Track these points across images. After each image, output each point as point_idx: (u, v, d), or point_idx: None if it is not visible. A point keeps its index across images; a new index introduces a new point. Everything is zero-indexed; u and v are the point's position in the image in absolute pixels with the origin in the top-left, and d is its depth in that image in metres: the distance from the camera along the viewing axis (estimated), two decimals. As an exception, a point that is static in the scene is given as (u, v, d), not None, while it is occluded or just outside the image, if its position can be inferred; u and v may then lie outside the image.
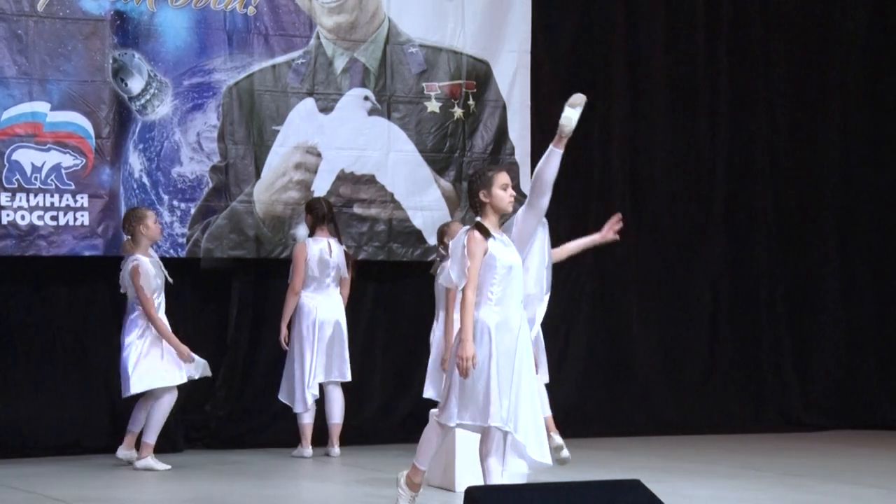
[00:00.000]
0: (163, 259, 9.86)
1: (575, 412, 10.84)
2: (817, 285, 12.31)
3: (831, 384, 12.24)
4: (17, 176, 9.62)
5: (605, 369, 11.58)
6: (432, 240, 10.53)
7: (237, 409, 10.38)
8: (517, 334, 6.95)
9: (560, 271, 11.15)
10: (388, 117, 10.73)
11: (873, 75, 12.47)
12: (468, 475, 7.69)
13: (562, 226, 11.21)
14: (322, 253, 9.74)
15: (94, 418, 9.99)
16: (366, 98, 10.65)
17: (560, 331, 11.23)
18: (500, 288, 6.95)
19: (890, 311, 8.22)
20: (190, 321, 10.13)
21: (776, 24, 12.25)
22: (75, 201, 9.73)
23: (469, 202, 7.34)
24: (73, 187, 9.72)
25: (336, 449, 9.73)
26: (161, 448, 9.29)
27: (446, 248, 8.87)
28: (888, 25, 12.50)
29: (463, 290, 6.91)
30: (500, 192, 6.98)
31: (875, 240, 12.21)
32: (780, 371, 12.08)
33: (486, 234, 6.92)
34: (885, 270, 12.03)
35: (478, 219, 7.01)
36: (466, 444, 7.76)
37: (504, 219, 7.37)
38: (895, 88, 12.46)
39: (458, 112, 10.89)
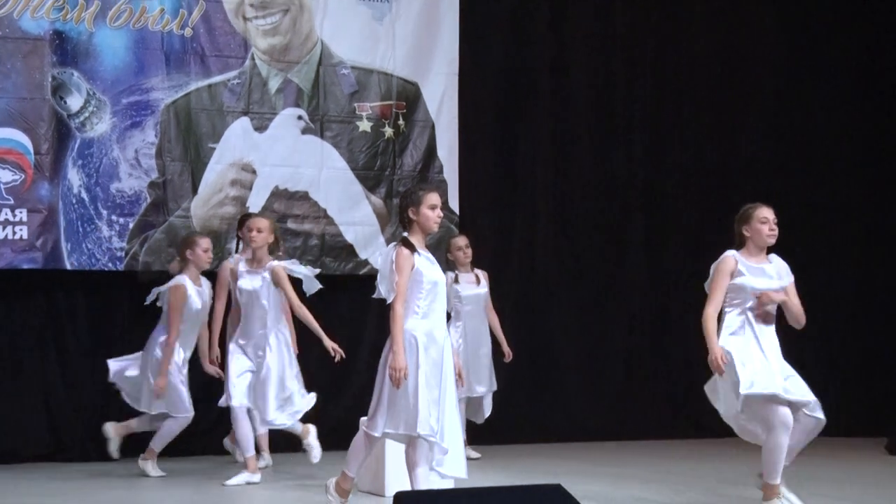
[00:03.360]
0: (101, 272, 9.84)
1: (500, 420, 10.85)
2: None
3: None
4: (-42, 192, 9.49)
5: (530, 379, 11.53)
6: (364, 254, 10.57)
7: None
8: (442, 346, 6.92)
9: (497, 285, 11.21)
10: (321, 136, 10.68)
11: (779, 106, 12.55)
12: (397, 481, 7.65)
13: (488, 238, 11.28)
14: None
15: (29, 430, 9.85)
16: (299, 117, 10.61)
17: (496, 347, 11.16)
18: (426, 302, 6.93)
19: (789, 325, 8.34)
20: (127, 333, 9.99)
21: (691, 58, 12.29)
22: (14, 216, 9.58)
23: (398, 218, 7.29)
24: (11, 202, 9.58)
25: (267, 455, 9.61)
26: (94, 457, 9.21)
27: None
28: (798, 58, 12.57)
29: (392, 304, 6.83)
30: (428, 211, 6.95)
31: (778, 253, 12.28)
32: (692, 381, 12.14)
33: (413, 249, 6.87)
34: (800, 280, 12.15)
35: (405, 234, 6.97)
36: (396, 450, 7.68)
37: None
38: (799, 118, 12.52)
39: (388, 131, 10.85)
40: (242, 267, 8.77)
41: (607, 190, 11.90)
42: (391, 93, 10.90)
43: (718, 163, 12.36)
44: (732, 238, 12.28)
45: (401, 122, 10.90)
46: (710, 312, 7.66)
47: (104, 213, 9.89)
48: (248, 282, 8.67)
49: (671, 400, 12.09)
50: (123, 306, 10.10)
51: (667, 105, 12.20)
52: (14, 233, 9.57)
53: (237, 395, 8.66)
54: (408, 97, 10.96)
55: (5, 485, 8.59)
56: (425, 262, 6.94)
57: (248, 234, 8.78)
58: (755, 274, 7.72)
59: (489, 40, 11.49)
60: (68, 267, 9.64)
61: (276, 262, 8.61)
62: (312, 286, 8.77)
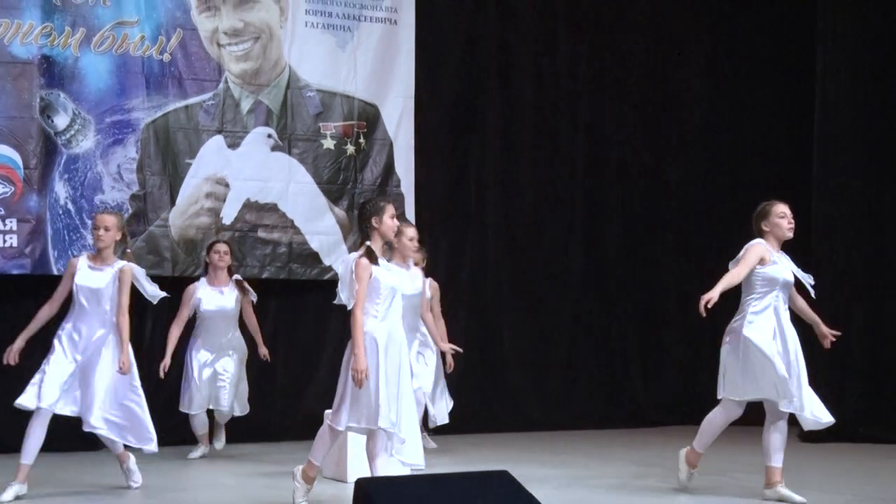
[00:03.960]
0: None
1: (453, 413, 10.84)
2: (661, 301, 12.43)
3: (672, 386, 12.33)
4: (-49, 203, 9.38)
5: (480, 375, 11.56)
6: (328, 261, 10.56)
7: (153, 411, 10.17)
8: (400, 346, 6.91)
9: (440, 290, 11.17)
10: (289, 153, 10.64)
11: (708, 121, 12.59)
12: (359, 468, 7.58)
13: (442, 246, 11.28)
14: None
15: (18, 424, 9.70)
16: (269, 136, 10.56)
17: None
18: (384, 307, 6.91)
19: (720, 324, 8.34)
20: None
21: (627, 81, 12.34)
22: (4, 225, 9.50)
23: (359, 228, 7.21)
24: (2, 212, 9.50)
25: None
26: (78, 447, 9.09)
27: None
28: (720, 78, 12.62)
29: (353, 310, 6.83)
30: (389, 220, 6.96)
31: (709, 261, 12.33)
32: (629, 375, 12.25)
33: (373, 259, 6.87)
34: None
35: (368, 243, 6.94)
36: (358, 440, 7.68)
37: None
38: (726, 132, 12.60)
39: (350, 149, 10.81)
40: (84, 263, 7.71)
41: (549, 200, 11.90)
42: (353, 114, 10.87)
43: (651, 172, 12.41)
44: (660, 239, 12.44)
45: (361, 140, 10.87)
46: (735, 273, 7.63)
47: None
48: (91, 279, 7.64)
49: (607, 393, 12.10)
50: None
51: (604, 126, 12.24)
52: (5, 241, 9.50)
53: (35, 395, 7.50)
54: (368, 118, 10.93)
55: (4, 473, 8.47)
56: (383, 270, 6.93)
57: (94, 231, 7.72)
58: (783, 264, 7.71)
59: (442, 67, 11.48)
60: (55, 272, 9.49)
61: (126, 264, 7.76)
62: (156, 294, 8.01)
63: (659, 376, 12.35)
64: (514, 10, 11.84)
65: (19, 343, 7.61)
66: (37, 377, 7.43)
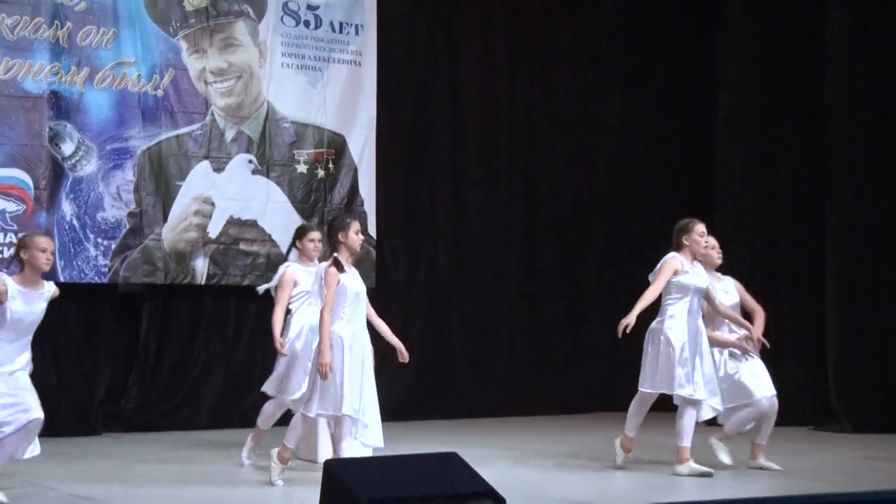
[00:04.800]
0: (88, 285, 9.68)
1: (411, 401, 10.88)
2: (587, 304, 12.40)
3: (597, 378, 12.25)
4: (-29, 219, 9.27)
5: (434, 368, 11.53)
6: None
7: (147, 401, 10.12)
8: (363, 344, 6.91)
9: (399, 295, 11.19)
10: (267, 176, 10.56)
11: (626, 145, 12.57)
12: (328, 450, 7.60)
13: (400, 257, 11.27)
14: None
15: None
16: (250, 161, 10.47)
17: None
18: (349, 309, 6.90)
19: (641, 323, 8.46)
20: (109, 334, 9.88)
21: (558, 112, 12.32)
22: (16, 238, 9.29)
23: (329, 241, 7.19)
24: (15, 227, 9.37)
25: None
26: (81, 432, 8.99)
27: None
28: (635, 110, 12.60)
29: (321, 312, 6.84)
30: (354, 235, 6.98)
31: (629, 268, 12.38)
32: (560, 368, 12.23)
33: (340, 268, 6.85)
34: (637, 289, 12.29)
35: (335, 255, 6.94)
36: (328, 426, 7.64)
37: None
38: (640, 157, 12.62)
39: (320, 173, 10.74)
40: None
41: (491, 216, 11.86)
42: (323, 142, 10.80)
43: (578, 191, 12.41)
44: (586, 249, 12.47)
45: (330, 165, 10.81)
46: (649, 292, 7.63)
47: (91, 236, 9.70)
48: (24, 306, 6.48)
49: (541, 383, 12.04)
50: (106, 311, 9.95)
51: (537, 152, 12.22)
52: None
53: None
54: (336, 146, 10.86)
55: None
56: (350, 277, 6.92)
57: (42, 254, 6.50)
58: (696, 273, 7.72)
59: (399, 102, 11.43)
60: (62, 280, 9.34)
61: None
62: None
63: (586, 369, 12.31)
64: (461, 55, 11.82)
65: None
66: None
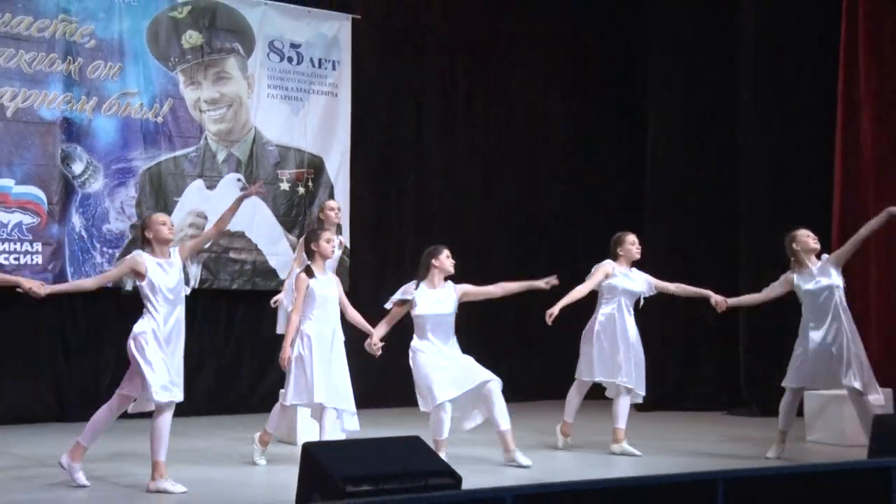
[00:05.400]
0: (97, 290, 9.59)
1: (379, 391, 10.86)
2: (534, 304, 12.12)
3: (541, 369, 12.22)
4: (-9, 229, 9.28)
5: (400, 361, 11.30)
6: (283, 276, 10.26)
7: None
8: (331, 341, 6.97)
9: (370, 298, 11.12)
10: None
11: (569, 164, 12.63)
12: (307, 433, 7.63)
13: (370, 264, 11.29)
14: None
15: (41, 399, 9.62)
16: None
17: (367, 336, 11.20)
18: (318, 312, 6.97)
19: (576, 320, 8.53)
20: (112, 332, 9.70)
21: (510, 136, 12.34)
22: (32, 247, 9.39)
23: (305, 250, 7.27)
24: (30, 238, 9.39)
25: None
26: (87, 417, 9.00)
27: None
28: (580, 131, 12.69)
29: (290, 314, 7.01)
30: (325, 244, 7.06)
31: (577, 271, 12.44)
32: (509, 360, 11.97)
33: (311, 274, 6.92)
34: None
35: (308, 262, 7.05)
36: (305, 412, 7.68)
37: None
38: (583, 174, 12.67)
39: (301, 190, 10.78)
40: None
41: (451, 228, 11.70)
42: (303, 163, 10.83)
43: (527, 205, 12.46)
44: (535, 255, 12.50)
45: (310, 183, 10.84)
46: (577, 290, 7.82)
47: (98, 246, 9.70)
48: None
49: (496, 374, 12.00)
50: (111, 311, 9.87)
51: (491, 167, 12.21)
52: (32, 259, 9.40)
53: None
54: (315, 166, 10.90)
55: (29, 436, 8.41)
56: (319, 283, 6.98)
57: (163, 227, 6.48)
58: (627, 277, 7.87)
59: (370, 129, 11.45)
60: (71, 283, 9.44)
61: None
62: None
63: (531, 360, 12.34)
64: (425, 87, 11.85)
65: None
66: None
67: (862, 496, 4.71)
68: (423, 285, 7.41)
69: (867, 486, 4.72)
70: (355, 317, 7.38)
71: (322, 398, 6.85)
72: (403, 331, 11.76)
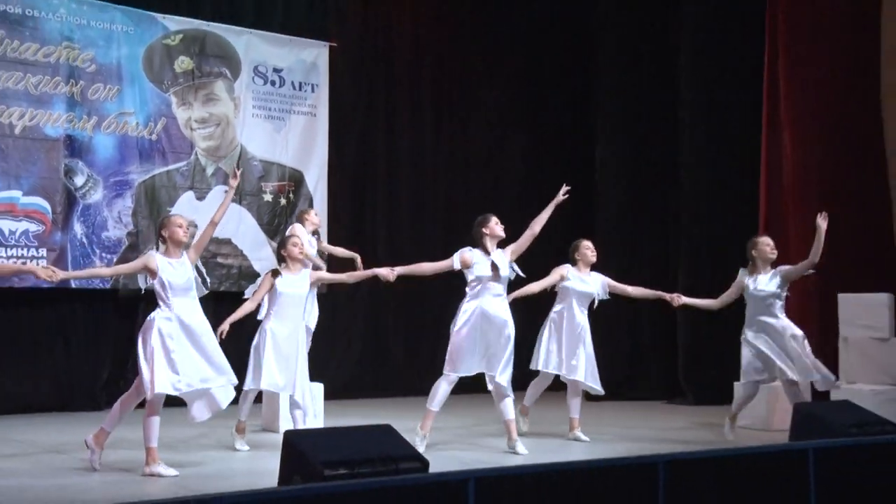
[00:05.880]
0: (94, 291, 9.61)
1: (354, 383, 10.92)
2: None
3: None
4: (0, 237, 9.19)
5: (373, 356, 11.55)
6: None
7: None
8: (288, 337, 6.85)
9: (345, 299, 11.14)
10: (240, 203, 10.55)
11: (524, 187, 12.63)
12: (287, 422, 7.41)
13: (346, 266, 11.24)
14: None
15: (44, 390, 9.53)
16: (225, 192, 10.29)
17: (345, 335, 11.24)
18: (279, 308, 6.94)
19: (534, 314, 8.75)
20: (111, 329, 9.82)
21: (472, 161, 12.40)
22: (37, 253, 9.33)
23: (277, 254, 7.32)
24: (36, 244, 9.34)
25: None
26: (87, 408, 8.97)
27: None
28: (534, 154, 12.73)
29: (245, 302, 6.99)
30: (293, 248, 7.07)
31: (531, 277, 12.50)
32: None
33: (277, 274, 6.94)
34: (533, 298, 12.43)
35: (276, 268, 7.09)
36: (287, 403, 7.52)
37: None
38: (536, 192, 12.46)
39: (283, 201, 10.75)
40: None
41: (419, 236, 11.83)
42: (285, 177, 10.83)
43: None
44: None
45: (291, 195, 10.83)
46: (529, 286, 7.79)
47: (97, 251, 9.65)
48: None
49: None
50: (109, 311, 9.87)
51: (456, 189, 12.23)
52: (37, 264, 9.12)
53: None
54: (296, 180, 10.90)
55: (29, 426, 8.34)
56: (285, 283, 6.97)
57: (179, 229, 6.55)
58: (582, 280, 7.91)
59: (346, 145, 11.47)
60: (73, 286, 9.39)
61: None
62: None
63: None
64: (396, 109, 11.89)
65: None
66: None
67: (784, 474, 4.81)
68: (477, 251, 7.24)
69: (789, 465, 4.83)
70: (351, 275, 7.39)
71: (270, 385, 6.83)
72: (374, 329, 11.79)
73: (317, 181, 11.02)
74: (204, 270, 9.90)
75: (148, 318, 6.22)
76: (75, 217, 9.58)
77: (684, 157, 11.14)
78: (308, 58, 11.01)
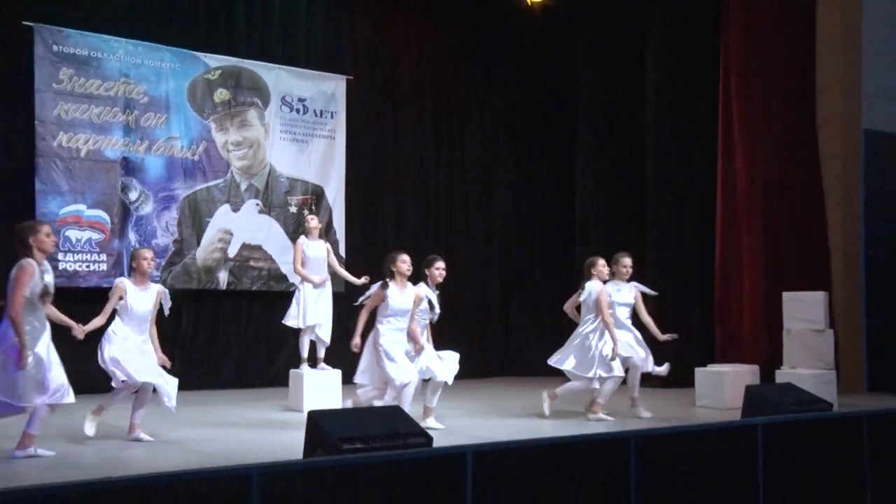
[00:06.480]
0: (95, 292, 9.32)
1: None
2: (491, 303, 12.38)
3: (497, 353, 12.19)
4: (68, 244, 9.33)
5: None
6: (292, 280, 10.21)
7: (186, 370, 9.86)
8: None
9: (360, 298, 11.08)
10: (269, 215, 10.63)
11: (517, 197, 12.66)
12: (312, 402, 7.62)
13: (362, 271, 11.25)
14: None
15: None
16: (257, 204, 10.55)
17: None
18: (391, 314, 6.90)
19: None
20: (160, 323, 9.54)
21: (468, 182, 12.36)
22: (99, 258, 9.48)
23: (386, 271, 7.19)
24: (97, 250, 9.48)
25: None
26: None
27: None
28: (524, 172, 12.73)
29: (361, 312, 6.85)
30: (402, 264, 6.96)
31: (523, 285, 12.52)
32: (470, 347, 12.03)
33: (386, 287, 6.82)
34: (523, 298, 12.38)
35: (386, 280, 6.95)
36: (311, 386, 7.72)
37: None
38: (526, 206, 12.69)
39: (306, 212, 10.74)
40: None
41: (423, 245, 11.54)
42: (308, 191, 10.90)
43: (482, 242, 12.43)
44: (491, 270, 12.45)
45: (313, 207, 10.88)
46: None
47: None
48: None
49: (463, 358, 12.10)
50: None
51: (455, 207, 12.23)
52: (99, 267, 9.49)
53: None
54: (317, 194, 10.97)
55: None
56: (395, 294, 6.91)
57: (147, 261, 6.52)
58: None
59: (361, 164, 11.50)
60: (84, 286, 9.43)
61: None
62: None
63: (489, 349, 12.25)
64: (402, 132, 11.92)
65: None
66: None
67: (737, 447, 4.95)
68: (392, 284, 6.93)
69: (741, 439, 4.98)
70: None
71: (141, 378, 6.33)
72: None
73: (335, 194, 11.12)
74: (219, 274, 9.88)
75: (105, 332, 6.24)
76: (130, 227, 9.73)
77: (651, 174, 11.23)
78: (328, 89, 11.13)
